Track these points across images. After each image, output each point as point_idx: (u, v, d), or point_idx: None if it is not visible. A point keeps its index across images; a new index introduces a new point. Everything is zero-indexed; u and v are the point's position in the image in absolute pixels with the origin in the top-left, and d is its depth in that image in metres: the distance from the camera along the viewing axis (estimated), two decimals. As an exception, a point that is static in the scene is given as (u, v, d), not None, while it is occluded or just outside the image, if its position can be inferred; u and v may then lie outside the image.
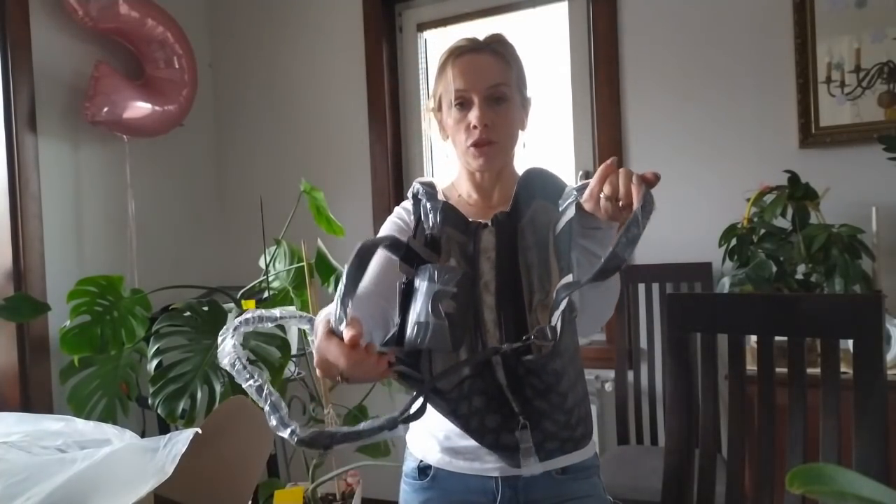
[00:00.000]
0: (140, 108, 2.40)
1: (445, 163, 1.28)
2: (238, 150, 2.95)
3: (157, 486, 0.74)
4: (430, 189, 1.12)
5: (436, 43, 2.69)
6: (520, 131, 1.22)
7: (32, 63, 2.25)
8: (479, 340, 1.00)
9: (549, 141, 2.43)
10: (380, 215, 2.59)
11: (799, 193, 1.77)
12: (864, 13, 1.94)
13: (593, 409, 2.24)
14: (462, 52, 1.18)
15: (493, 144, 1.17)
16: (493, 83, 1.16)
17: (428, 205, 1.08)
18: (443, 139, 1.25)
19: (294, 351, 1.96)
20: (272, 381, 1.72)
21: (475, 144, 1.17)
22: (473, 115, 1.16)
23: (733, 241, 1.81)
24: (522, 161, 1.28)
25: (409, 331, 0.89)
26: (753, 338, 1.39)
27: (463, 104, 1.17)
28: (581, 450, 1.16)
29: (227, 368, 0.92)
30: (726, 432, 1.21)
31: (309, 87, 2.79)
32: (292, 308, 0.99)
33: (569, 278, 0.91)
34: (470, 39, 1.20)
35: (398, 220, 1.25)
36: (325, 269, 2.15)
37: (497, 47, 1.18)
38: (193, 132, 2.79)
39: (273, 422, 0.83)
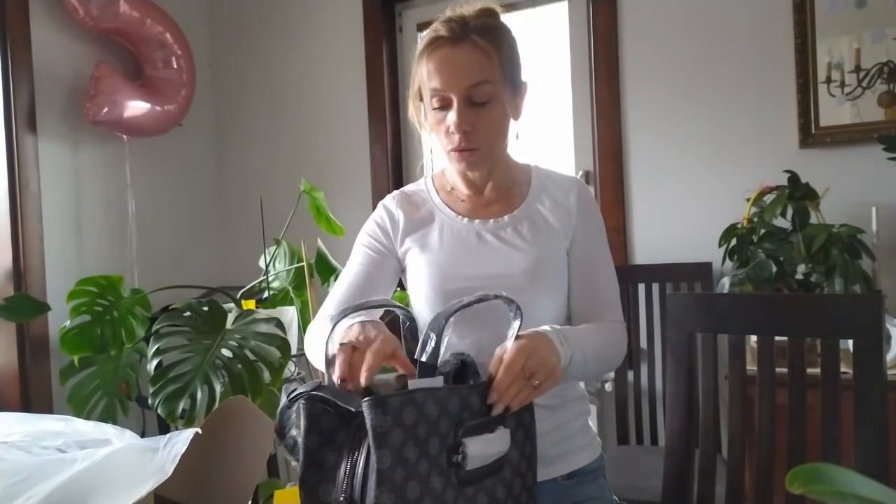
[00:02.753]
0: (140, 108, 2.40)
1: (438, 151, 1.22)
2: (238, 150, 2.95)
3: (157, 486, 0.73)
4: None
5: (436, 43, 2.68)
6: (512, 121, 1.13)
7: (32, 63, 2.24)
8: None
9: (549, 141, 2.43)
10: (380, 215, 2.58)
11: (799, 193, 1.77)
12: (864, 13, 1.94)
13: (593, 409, 2.24)
14: (439, 45, 1.05)
15: (473, 151, 1.08)
16: (473, 82, 1.04)
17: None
18: (428, 128, 1.15)
19: (294, 351, 1.96)
20: (272, 382, 1.72)
21: (456, 150, 1.09)
22: (452, 120, 1.06)
23: (733, 241, 1.81)
24: (518, 151, 1.21)
25: None
26: (753, 338, 1.39)
27: (442, 105, 1.07)
28: (586, 453, 1.16)
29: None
30: (726, 432, 1.21)
31: (309, 87, 2.79)
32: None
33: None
34: (450, 25, 1.06)
35: (377, 228, 1.20)
36: (325, 269, 2.14)
37: (479, 37, 1.04)
38: (194, 132, 2.79)
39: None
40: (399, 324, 0.93)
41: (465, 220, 1.16)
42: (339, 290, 1.17)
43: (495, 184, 1.18)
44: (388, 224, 1.20)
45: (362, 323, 0.88)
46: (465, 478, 0.77)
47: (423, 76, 1.08)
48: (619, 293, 1.17)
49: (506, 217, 1.15)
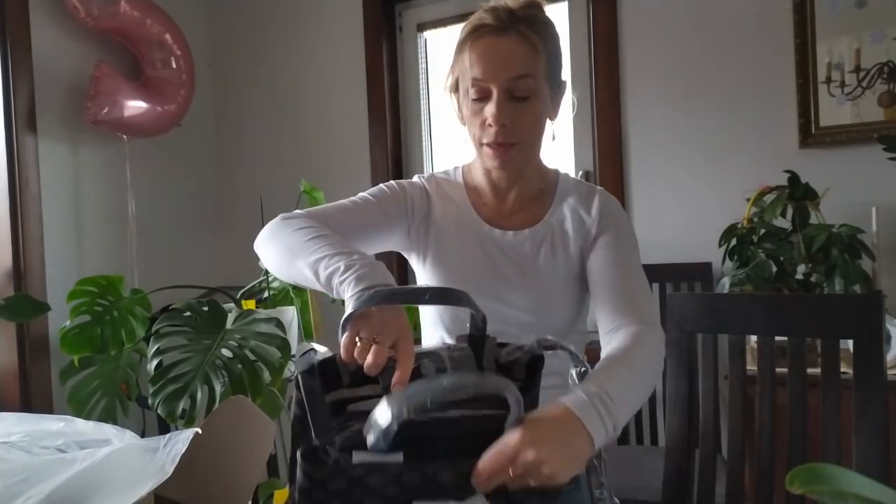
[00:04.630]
0: (140, 108, 2.40)
1: (463, 147, 1.11)
2: (238, 150, 2.95)
3: (157, 486, 0.73)
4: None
5: (436, 43, 2.69)
6: (549, 121, 1.09)
7: (32, 63, 2.24)
8: None
9: (549, 141, 2.43)
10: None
11: (799, 193, 1.77)
12: (864, 13, 1.94)
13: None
14: (484, 33, 1.00)
15: (510, 147, 1.03)
16: (516, 75, 0.99)
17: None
18: (459, 122, 1.10)
19: (294, 351, 1.96)
20: (272, 382, 1.72)
21: (490, 145, 1.04)
22: (490, 112, 1.00)
23: (733, 241, 1.81)
24: (549, 153, 1.15)
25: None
26: (753, 338, 1.39)
27: (480, 96, 1.02)
28: None
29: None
30: (726, 432, 1.21)
31: (309, 87, 2.79)
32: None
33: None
34: (496, 13, 1.00)
35: (405, 191, 1.12)
36: (325, 269, 2.14)
37: (526, 28, 1.00)
38: (193, 132, 2.79)
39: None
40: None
41: (487, 226, 1.12)
42: (339, 209, 1.08)
43: (520, 191, 1.12)
44: (419, 199, 1.13)
45: (378, 293, 0.77)
46: None
47: (464, 65, 1.03)
48: (650, 296, 1.07)
49: (526, 231, 1.10)
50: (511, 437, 0.73)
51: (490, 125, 1.01)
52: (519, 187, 1.12)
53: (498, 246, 1.10)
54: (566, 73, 1.10)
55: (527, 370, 0.83)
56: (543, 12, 1.05)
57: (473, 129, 1.06)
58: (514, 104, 1.01)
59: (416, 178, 1.18)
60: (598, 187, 1.17)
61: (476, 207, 1.14)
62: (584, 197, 1.13)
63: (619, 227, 1.11)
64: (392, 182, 1.16)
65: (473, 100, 1.03)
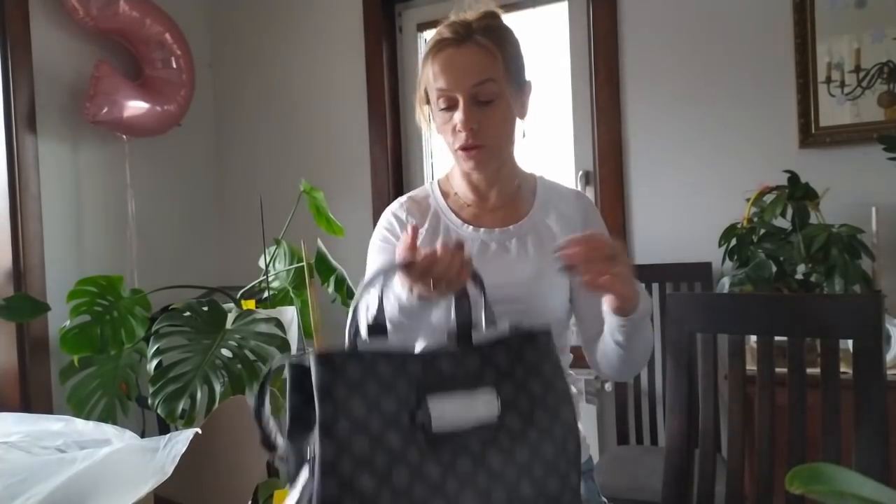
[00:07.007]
0: (139, 108, 2.40)
1: (441, 154, 1.23)
2: (238, 150, 2.95)
3: (157, 486, 0.74)
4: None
5: (436, 43, 2.69)
6: (518, 120, 1.15)
7: (32, 63, 2.24)
8: None
9: (550, 141, 2.43)
10: (379, 215, 2.58)
11: (799, 193, 1.77)
12: (864, 13, 1.94)
13: (593, 409, 2.24)
14: (444, 46, 1.09)
15: (481, 149, 1.10)
16: (477, 81, 1.06)
17: None
18: (436, 131, 1.17)
19: (294, 351, 1.96)
20: (272, 382, 1.72)
21: (462, 148, 1.10)
22: (458, 119, 1.08)
23: (733, 241, 1.81)
24: (523, 152, 1.21)
25: None
26: (753, 338, 1.39)
27: (448, 105, 1.09)
28: None
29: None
30: (726, 432, 1.21)
31: (309, 87, 2.79)
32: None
33: None
34: (454, 27, 1.09)
35: (385, 241, 1.18)
36: (325, 269, 2.15)
37: (483, 37, 1.07)
38: (193, 132, 2.79)
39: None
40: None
41: (470, 227, 1.17)
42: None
43: (500, 189, 1.18)
44: (399, 230, 1.19)
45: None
46: (436, 440, 0.71)
47: (428, 78, 1.11)
48: None
49: (511, 227, 1.16)
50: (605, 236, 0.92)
51: (460, 130, 1.09)
52: (498, 186, 1.18)
53: (483, 242, 1.15)
54: (530, 74, 1.16)
55: (512, 354, 0.81)
56: (500, 20, 1.13)
57: (446, 137, 1.13)
58: (480, 108, 1.08)
59: (386, 215, 1.23)
60: (576, 189, 1.27)
61: (456, 211, 1.19)
62: (565, 197, 1.21)
63: (601, 228, 1.19)
64: (378, 231, 1.21)
65: (441, 109, 1.10)
